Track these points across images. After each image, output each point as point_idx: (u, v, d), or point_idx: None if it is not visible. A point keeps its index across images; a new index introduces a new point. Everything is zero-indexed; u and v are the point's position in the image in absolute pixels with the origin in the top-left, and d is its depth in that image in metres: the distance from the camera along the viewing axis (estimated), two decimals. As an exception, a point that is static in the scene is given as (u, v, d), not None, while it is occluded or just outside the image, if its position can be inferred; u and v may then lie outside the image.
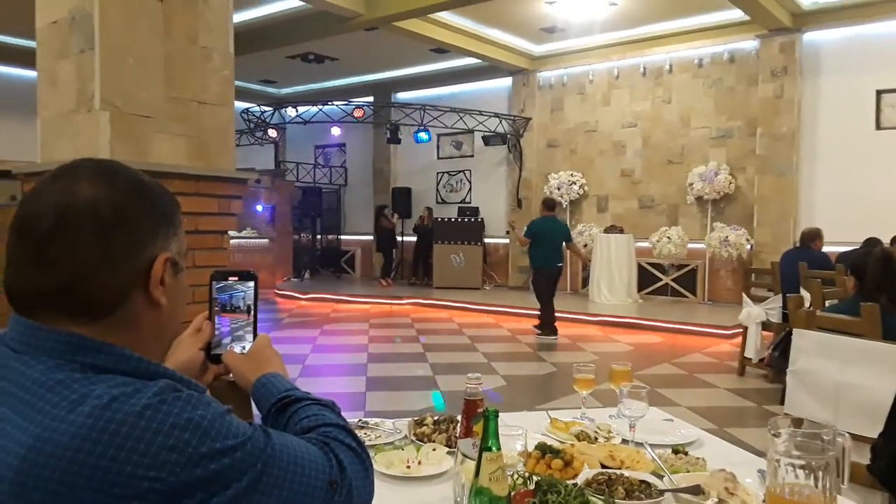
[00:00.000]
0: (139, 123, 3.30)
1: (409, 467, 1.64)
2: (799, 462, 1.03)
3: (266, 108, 13.28)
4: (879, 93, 9.48)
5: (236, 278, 1.14)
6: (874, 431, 2.13)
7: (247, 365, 1.11)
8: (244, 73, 13.32)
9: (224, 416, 0.81)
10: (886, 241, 6.93)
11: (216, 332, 1.14)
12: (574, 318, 9.43)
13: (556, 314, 8.33)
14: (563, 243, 8.11)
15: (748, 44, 10.45)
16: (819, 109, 9.98)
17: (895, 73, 9.30)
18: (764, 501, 1.20)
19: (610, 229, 11.16)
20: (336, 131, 13.73)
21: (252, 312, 1.15)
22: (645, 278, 11.21)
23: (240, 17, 9.61)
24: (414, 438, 1.83)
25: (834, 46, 9.83)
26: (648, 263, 11.18)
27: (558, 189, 12.07)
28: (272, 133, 13.44)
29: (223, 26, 3.69)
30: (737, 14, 9.59)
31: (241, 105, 13.49)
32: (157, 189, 0.92)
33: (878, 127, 9.54)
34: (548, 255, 7.93)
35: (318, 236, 15.48)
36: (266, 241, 13.82)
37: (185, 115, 3.54)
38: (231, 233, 3.84)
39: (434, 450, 1.71)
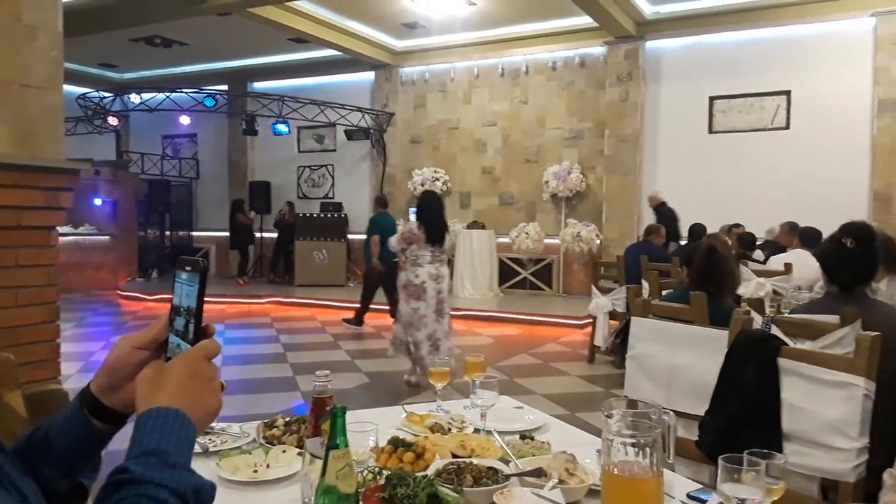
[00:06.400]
0: (-53, 105, 2.92)
1: (256, 471, 1.57)
2: (629, 441, 1.08)
3: (106, 94, 12.29)
4: (712, 99, 10.42)
5: (189, 268, 0.89)
6: (702, 410, 2.33)
7: (141, 390, 0.81)
8: (80, 55, 12.28)
9: None
10: (712, 229, 7.68)
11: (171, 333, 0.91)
12: (437, 313, 9.54)
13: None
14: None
15: (597, 49, 11.09)
16: (660, 113, 10.81)
17: (726, 81, 10.26)
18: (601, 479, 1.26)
19: (472, 225, 11.45)
20: (185, 120, 12.97)
21: (194, 312, 0.87)
22: (505, 272, 11.60)
23: (75, -7, 8.80)
24: (263, 441, 1.76)
25: (673, 55, 10.68)
26: (508, 258, 11.57)
27: (422, 185, 12.18)
28: (112, 121, 12.45)
29: (51, 3, 3.37)
30: (587, 20, 10.14)
31: (77, 90, 12.51)
32: None
33: (711, 131, 10.49)
34: (385, 251, 7.96)
35: (167, 232, 14.59)
36: (107, 237, 12.83)
37: (5, 98, 3.21)
38: (65, 229, 3.52)
39: (284, 451, 1.66)
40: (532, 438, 1.74)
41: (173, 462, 0.74)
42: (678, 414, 2.38)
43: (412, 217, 5.68)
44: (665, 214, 8.92)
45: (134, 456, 0.74)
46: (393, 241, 5.54)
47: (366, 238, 8.24)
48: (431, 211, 5.50)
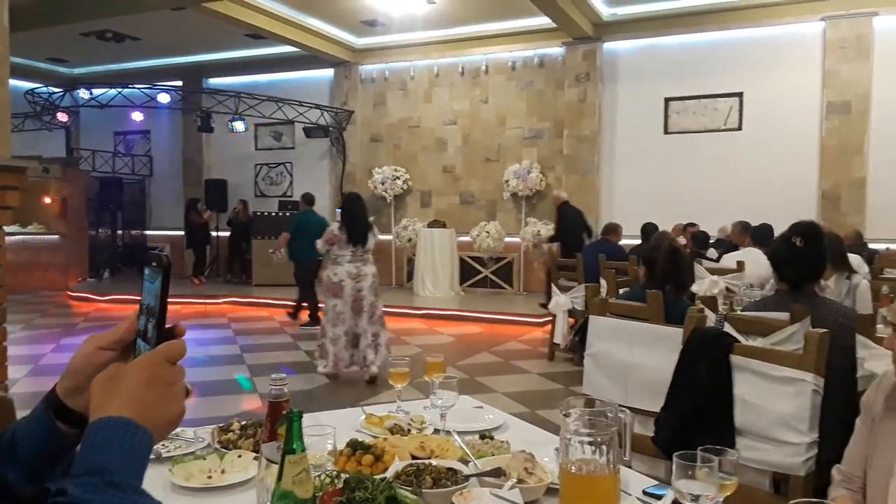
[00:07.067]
0: None
1: (210, 477, 1.54)
2: (587, 439, 1.09)
3: (55, 90, 11.91)
4: (667, 100, 10.62)
5: (154, 264, 0.84)
6: (658, 406, 2.36)
7: (95, 396, 0.76)
8: (29, 49, 11.87)
9: None
10: (667, 227, 7.87)
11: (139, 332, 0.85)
12: (399, 312, 9.51)
13: (383, 309, 8.45)
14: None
15: (555, 50, 11.20)
16: (617, 114, 10.97)
17: (680, 83, 10.46)
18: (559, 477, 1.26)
19: (433, 224, 11.44)
20: (138, 116, 12.65)
21: (156, 311, 0.82)
22: (466, 271, 11.62)
23: (21, -16, 8.49)
24: (218, 446, 1.73)
25: (629, 56, 10.84)
26: (469, 257, 11.59)
27: (382, 184, 12.13)
28: (62, 117, 12.09)
29: (-6, -7, 3.23)
30: (545, 21, 10.21)
31: (25, 85, 12.12)
32: None
33: (666, 131, 10.69)
34: (307, 249, 7.97)
35: (120, 231, 14.23)
36: (56, 237, 12.46)
37: (-56, 91, 3.06)
38: (12, 228, 3.40)
39: (239, 456, 1.62)
40: (491, 438, 1.74)
41: (117, 482, 0.68)
42: (635, 410, 2.42)
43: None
44: (566, 214, 8.98)
45: (77, 474, 0.68)
46: (319, 243, 5.83)
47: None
48: (352, 212, 5.75)
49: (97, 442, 0.70)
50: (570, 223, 8.79)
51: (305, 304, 8.76)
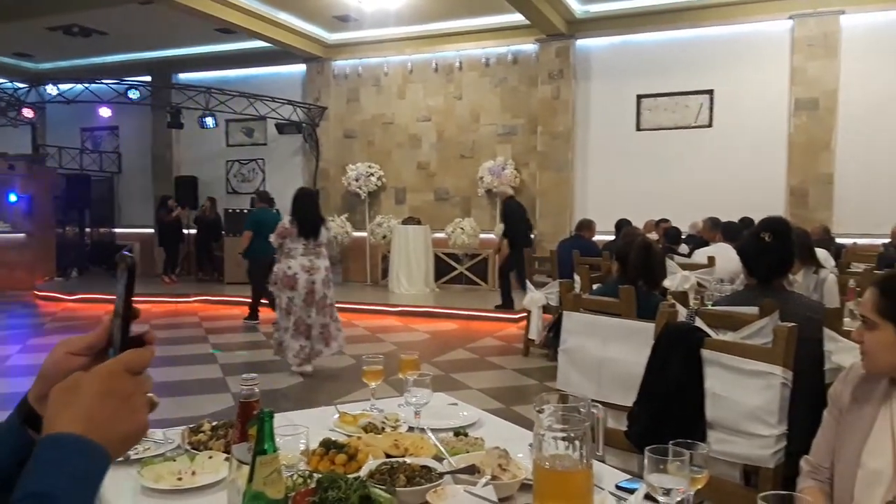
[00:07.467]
0: None
1: (180, 479, 1.51)
2: (560, 435, 1.09)
3: (20, 85, 11.65)
4: (640, 97, 10.71)
5: (122, 265, 0.78)
6: (631, 400, 2.38)
7: (49, 408, 0.70)
8: (-8, 43, 11.61)
9: None
10: (640, 224, 7.95)
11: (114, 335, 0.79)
12: (374, 310, 9.49)
13: (358, 306, 8.45)
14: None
15: (529, 47, 11.22)
16: (590, 111, 11.03)
17: (652, 80, 10.55)
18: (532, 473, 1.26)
19: (408, 221, 11.41)
20: (106, 112, 12.41)
21: (120, 314, 0.77)
22: (441, 268, 11.61)
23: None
24: (188, 447, 1.70)
25: (602, 53, 10.91)
26: (444, 253, 11.59)
27: (356, 180, 12.07)
28: (27, 113, 11.82)
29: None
30: (518, 18, 10.22)
31: (-13, 80, 11.82)
32: None
33: (638, 128, 10.78)
34: (266, 246, 7.93)
35: (88, 230, 13.97)
36: (22, 235, 12.21)
37: None
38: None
39: (210, 458, 1.60)
40: (466, 435, 1.74)
41: None
42: (608, 405, 2.44)
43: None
44: (511, 209, 8.99)
45: (17, 497, 0.63)
46: (272, 237, 5.93)
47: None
48: (303, 206, 5.85)
49: (43, 462, 0.64)
50: (515, 217, 8.83)
51: (266, 302, 8.55)
